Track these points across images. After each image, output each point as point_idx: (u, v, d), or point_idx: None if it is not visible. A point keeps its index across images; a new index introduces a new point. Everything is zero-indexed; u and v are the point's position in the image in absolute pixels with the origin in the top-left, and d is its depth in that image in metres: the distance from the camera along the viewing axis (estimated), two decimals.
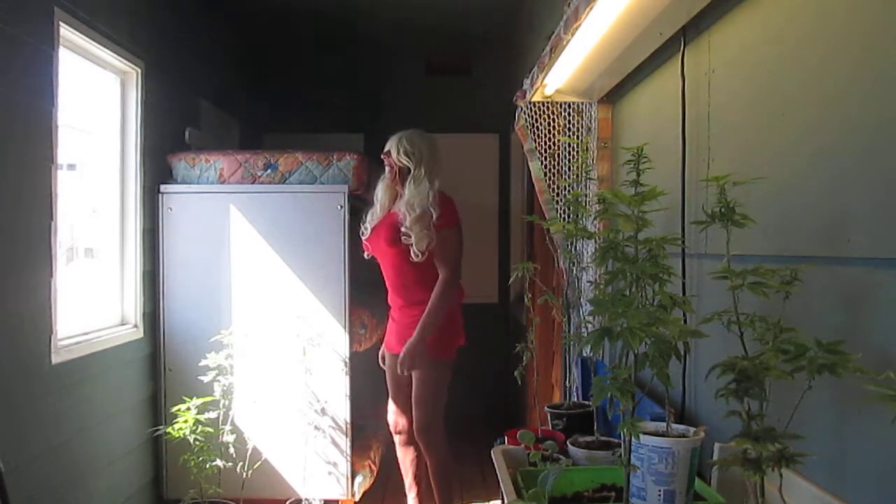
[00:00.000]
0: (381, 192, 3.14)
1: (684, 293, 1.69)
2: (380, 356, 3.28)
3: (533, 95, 2.48)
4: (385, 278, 3.13)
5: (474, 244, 5.74)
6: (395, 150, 3.04)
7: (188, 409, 3.27)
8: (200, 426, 3.26)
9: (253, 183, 3.61)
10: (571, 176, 2.47)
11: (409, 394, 3.10)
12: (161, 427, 3.45)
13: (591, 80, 2.30)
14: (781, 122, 1.33)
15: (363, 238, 3.13)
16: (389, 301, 3.16)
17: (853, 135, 1.10)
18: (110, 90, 3.37)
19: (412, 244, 2.92)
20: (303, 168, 3.58)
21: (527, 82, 2.48)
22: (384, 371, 3.27)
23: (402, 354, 2.97)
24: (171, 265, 3.60)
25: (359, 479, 3.60)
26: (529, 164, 2.61)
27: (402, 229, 2.93)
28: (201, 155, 3.66)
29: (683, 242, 1.65)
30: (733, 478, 1.29)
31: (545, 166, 2.57)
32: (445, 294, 2.98)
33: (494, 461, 1.72)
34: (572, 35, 1.80)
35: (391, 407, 3.25)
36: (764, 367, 0.98)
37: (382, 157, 3.10)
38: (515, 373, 2.24)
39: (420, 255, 2.92)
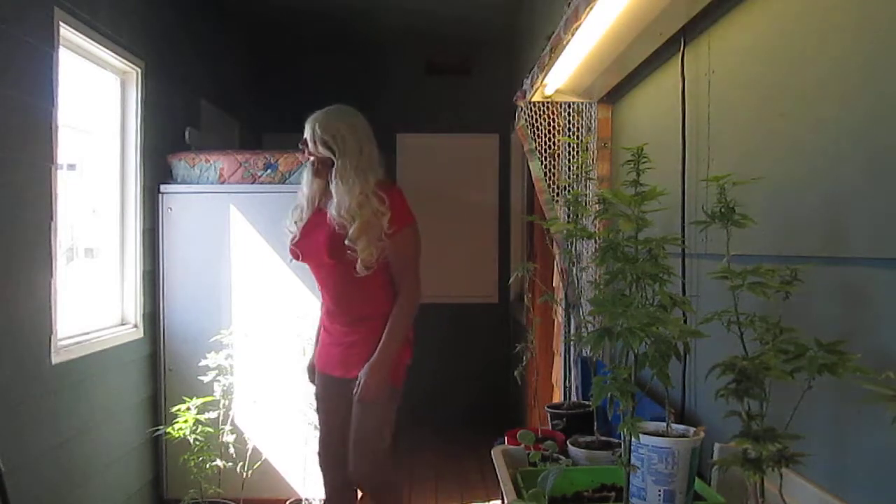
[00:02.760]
0: (305, 186, 2.55)
1: (684, 293, 1.69)
2: (309, 375, 2.75)
3: (533, 95, 2.48)
4: (320, 287, 2.60)
5: (474, 244, 5.78)
6: (310, 137, 2.45)
7: (188, 409, 3.27)
8: (200, 426, 3.27)
9: (253, 183, 3.61)
10: (571, 176, 2.47)
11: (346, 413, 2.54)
12: (161, 427, 3.45)
13: (591, 80, 2.30)
14: (781, 122, 1.33)
15: (291, 243, 2.55)
16: (325, 314, 2.62)
17: (853, 135, 1.10)
18: (110, 90, 3.37)
19: (358, 258, 2.37)
20: (303, 168, 3.58)
21: (527, 82, 2.48)
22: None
23: (363, 380, 2.42)
24: (171, 265, 3.60)
25: None
26: (529, 164, 2.61)
27: (346, 242, 2.37)
28: (201, 155, 3.67)
29: (683, 242, 1.65)
30: (733, 478, 1.29)
31: (545, 166, 2.57)
32: (410, 308, 2.49)
33: (494, 461, 1.72)
34: (572, 35, 1.80)
35: (328, 440, 2.64)
36: (764, 367, 0.98)
37: (300, 146, 2.51)
38: (515, 373, 2.24)
39: (367, 270, 2.39)
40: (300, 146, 2.50)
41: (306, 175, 2.54)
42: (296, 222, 2.55)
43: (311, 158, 2.48)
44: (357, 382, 2.44)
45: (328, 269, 2.49)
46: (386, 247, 2.41)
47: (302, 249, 2.52)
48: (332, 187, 2.42)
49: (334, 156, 2.42)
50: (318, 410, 2.70)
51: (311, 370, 2.73)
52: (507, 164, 5.50)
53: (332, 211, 2.41)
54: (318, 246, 2.45)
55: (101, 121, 3.36)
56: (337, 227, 2.39)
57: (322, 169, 2.46)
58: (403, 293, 2.48)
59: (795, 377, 0.97)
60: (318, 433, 2.72)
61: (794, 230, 1.28)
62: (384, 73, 5.59)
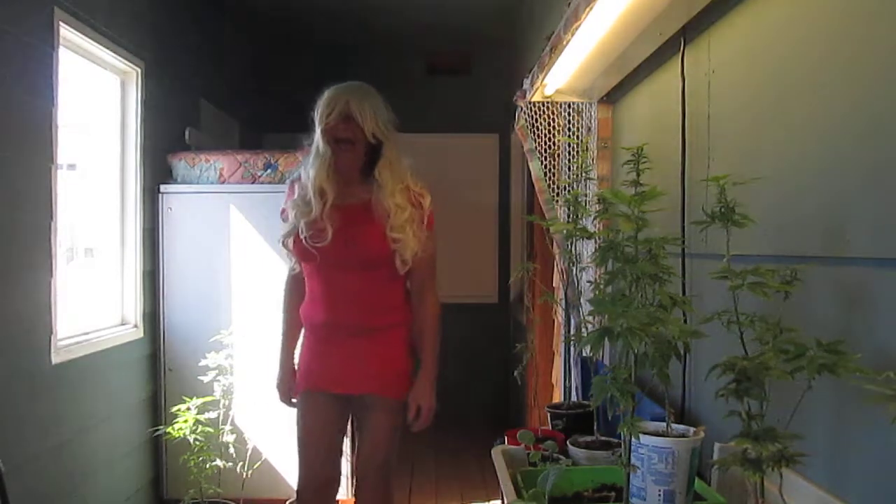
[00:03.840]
0: (316, 176, 2.20)
1: (684, 293, 1.69)
2: (284, 394, 2.40)
3: (533, 95, 2.48)
4: (326, 293, 2.26)
5: (474, 244, 5.77)
6: (365, 115, 2.17)
7: (188, 409, 3.27)
8: (200, 426, 3.27)
9: (253, 183, 3.62)
10: (571, 176, 2.47)
11: (339, 439, 2.36)
12: (161, 427, 3.45)
13: (591, 80, 2.30)
14: (781, 122, 1.33)
15: (305, 241, 2.20)
16: (320, 323, 2.28)
17: (854, 135, 1.10)
18: (110, 90, 3.37)
19: (399, 252, 2.19)
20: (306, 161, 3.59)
21: (527, 82, 2.48)
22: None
23: (423, 404, 2.24)
24: (171, 265, 3.61)
25: None
26: (529, 164, 2.61)
27: (391, 234, 2.18)
28: (201, 155, 3.67)
29: (683, 242, 1.65)
30: (733, 478, 1.29)
31: (545, 166, 2.57)
32: (439, 311, 2.32)
33: (494, 461, 1.72)
34: (572, 35, 1.80)
35: (314, 455, 2.32)
36: (764, 367, 0.98)
37: (335, 124, 2.18)
38: (515, 373, 2.24)
39: (405, 267, 2.22)
40: (334, 125, 2.17)
41: (321, 163, 2.20)
42: (303, 218, 2.21)
43: (353, 141, 2.18)
44: (409, 406, 2.24)
45: (357, 273, 2.22)
46: (426, 239, 2.24)
47: (326, 249, 2.18)
48: (381, 173, 2.20)
49: (384, 143, 2.22)
50: (304, 436, 2.31)
51: (289, 387, 2.37)
52: (507, 164, 5.50)
53: (383, 200, 2.18)
54: (366, 243, 2.20)
55: (101, 121, 3.36)
56: (378, 216, 2.19)
57: (356, 157, 2.21)
58: (431, 296, 2.31)
59: (795, 377, 0.97)
60: (299, 464, 2.34)
61: (794, 230, 1.28)
62: (384, 73, 5.58)
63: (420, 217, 2.23)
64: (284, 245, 2.28)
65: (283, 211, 2.33)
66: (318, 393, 2.29)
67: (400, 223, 2.18)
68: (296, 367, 2.37)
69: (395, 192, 2.19)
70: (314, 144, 2.24)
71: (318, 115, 2.21)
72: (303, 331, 2.38)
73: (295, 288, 2.39)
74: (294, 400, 2.37)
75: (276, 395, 2.43)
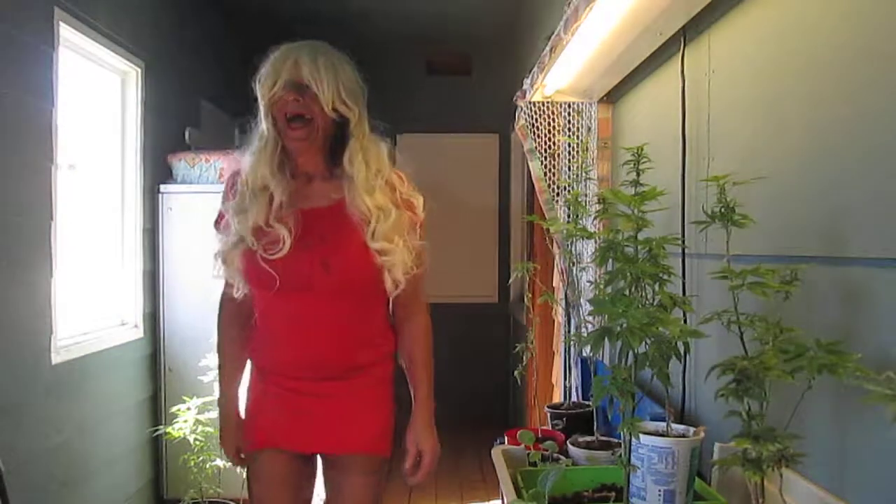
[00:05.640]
0: (261, 172, 1.67)
1: (684, 293, 1.69)
2: (231, 453, 1.85)
3: (533, 95, 2.48)
4: (301, 329, 1.70)
5: (474, 244, 5.78)
6: (322, 81, 1.61)
7: (188, 409, 3.27)
8: (200, 426, 3.27)
9: None
10: (571, 176, 2.47)
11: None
12: (161, 427, 3.45)
13: (591, 80, 2.30)
14: (781, 122, 1.33)
15: (265, 256, 1.63)
16: (276, 364, 1.75)
17: (853, 134, 1.10)
18: (110, 90, 3.37)
19: (388, 270, 1.65)
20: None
21: (527, 82, 2.48)
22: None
23: (426, 457, 1.76)
24: (171, 265, 3.61)
25: None
26: (529, 164, 2.61)
27: (375, 246, 1.63)
28: (201, 155, 3.67)
29: (683, 242, 1.65)
30: (733, 478, 1.29)
31: (545, 166, 2.57)
32: (431, 336, 1.83)
33: (494, 461, 1.72)
34: (572, 35, 1.80)
35: None
36: (764, 367, 0.98)
37: (282, 95, 1.63)
38: (515, 373, 2.24)
39: (397, 287, 1.67)
40: (285, 98, 1.62)
41: (264, 151, 1.67)
42: (248, 228, 1.64)
43: (297, 121, 1.63)
44: (407, 452, 1.77)
45: (330, 300, 1.66)
46: (419, 250, 1.71)
47: (290, 270, 1.63)
48: (353, 167, 1.65)
49: (351, 119, 1.66)
50: (274, 494, 1.79)
51: (237, 440, 1.82)
52: (507, 164, 5.50)
53: (362, 200, 1.64)
54: (340, 263, 1.65)
55: (101, 121, 3.36)
56: (356, 221, 1.65)
57: (313, 142, 1.65)
58: (422, 316, 1.81)
59: (795, 377, 0.97)
60: None
61: (794, 230, 1.28)
62: (384, 73, 5.59)
63: (410, 222, 1.70)
64: (225, 263, 1.69)
65: (220, 217, 1.75)
66: (275, 451, 1.75)
67: (385, 230, 1.63)
68: (241, 414, 1.83)
69: (372, 188, 1.65)
70: (258, 129, 1.70)
71: (259, 85, 1.65)
72: (249, 370, 1.83)
73: (235, 317, 1.81)
74: (244, 456, 1.82)
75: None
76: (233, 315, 1.83)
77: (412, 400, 1.81)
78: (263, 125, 1.68)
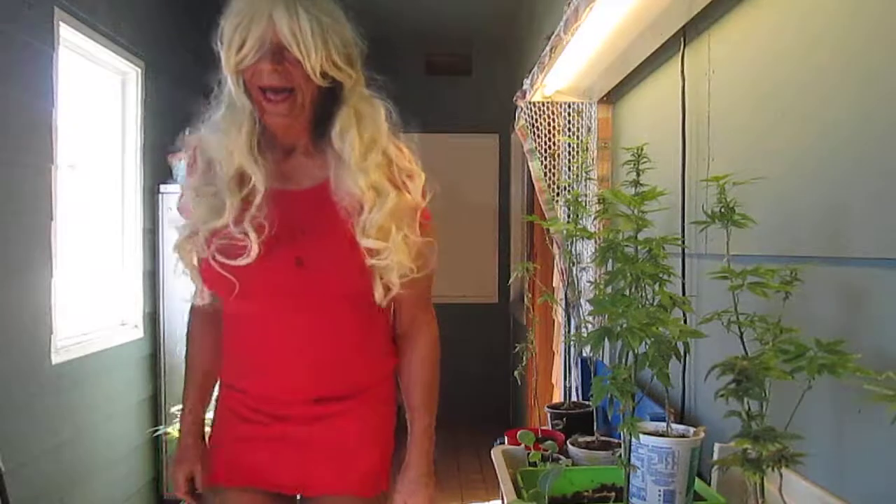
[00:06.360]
0: (238, 153, 1.32)
1: (684, 293, 1.69)
2: (188, 490, 1.51)
3: (533, 95, 2.48)
4: (277, 347, 1.38)
5: (474, 244, 5.77)
6: (307, 41, 1.25)
7: None
8: None
9: None
10: (571, 176, 2.47)
11: None
12: (161, 427, 3.45)
13: (591, 80, 2.30)
14: (781, 122, 1.33)
15: (222, 261, 1.31)
16: (264, 392, 1.41)
17: (853, 134, 1.10)
18: (110, 90, 3.37)
19: (379, 271, 1.32)
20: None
21: (527, 82, 2.48)
22: None
23: (408, 494, 1.43)
24: (171, 265, 3.59)
25: None
26: (529, 164, 2.61)
27: (366, 242, 1.30)
28: None
29: (683, 242, 1.65)
30: (733, 478, 1.29)
31: (545, 166, 2.57)
32: (438, 354, 1.50)
33: (494, 461, 1.72)
34: (572, 35, 1.80)
35: None
36: (764, 367, 0.98)
37: (255, 62, 1.27)
38: (515, 373, 2.24)
39: (389, 292, 1.34)
40: (258, 65, 1.26)
41: (240, 128, 1.33)
42: (211, 221, 1.32)
43: (278, 93, 1.28)
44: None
45: (313, 313, 1.35)
46: (424, 248, 1.38)
47: (256, 273, 1.30)
48: (344, 141, 1.31)
49: (345, 84, 1.33)
50: None
51: (193, 471, 1.51)
52: (507, 164, 5.51)
53: (354, 181, 1.30)
54: (322, 263, 1.32)
55: (101, 121, 3.36)
56: (344, 214, 1.32)
57: (298, 116, 1.31)
58: (427, 332, 1.49)
59: (795, 377, 0.97)
60: None
61: (794, 230, 1.28)
62: (384, 72, 5.59)
63: (411, 209, 1.36)
64: (183, 260, 1.37)
65: (183, 204, 1.40)
66: (244, 490, 1.42)
67: (380, 220, 1.29)
68: (206, 442, 1.53)
69: (367, 166, 1.30)
70: (224, 93, 1.36)
71: (223, 48, 1.29)
72: (218, 390, 1.52)
73: (209, 323, 1.49)
74: (200, 492, 1.50)
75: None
76: (206, 321, 1.50)
77: (408, 432, 1.46)
78: (234, 94, 1.32)
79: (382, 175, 1.34)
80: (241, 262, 1.29)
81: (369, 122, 1.36)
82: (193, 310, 1.52)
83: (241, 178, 1.33)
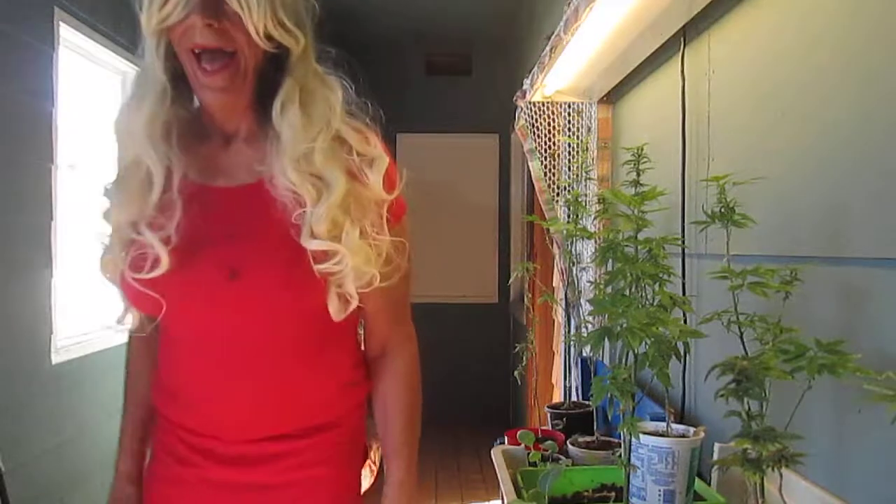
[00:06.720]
0: (152, 138, 1.10)
1: (684, 293, 1.69)
2: None
3: (533, 95, 2.48)
4: (211, 379, 1.14)
5: (474, 244, 5.78)
6: (255, 12, 1.01)
7: None
8: None
9: None
10: (571, 176, 2.47)
11: None
12: None
13: (591, 80, 2.30)
14: (781, 122, 1.33)
15: (134, 276, 1.09)
16: (200, 433, 1.16)
17: (853, 135, 1.10)
18: (110, 90, 3.37)
19: (333, 279, 1.07)
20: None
21: (527, 82, 2.49)
22: None
23: None
24: None
25: None
26: (529, 164, 2.61)
27: (311, 243, 1.05)
28: None
29: (683, 242, 1.65)
30: (733, 478, 1.29)
31: (545, 166, 2.57)
32: (418, 380, 1.27)
33: (494, 461, 1.72)
34: (572, 35, 1.80)
35: None
36: (764, 367, 0.98)
37: (183, 17, 1.02)
38: (515, 373, 2.24)
39: (347, 306, 1.09)
40: (187, 21, 1.02)
41: (158, 105, 1.09)
42: (123, 223, 1.10)
43: (213, 57, 1.04)
44: None
45: (253, 337, 1.11)
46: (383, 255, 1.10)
47: (176, 283, 1.08)
48: (286, 121, 1.07)
49: (292, 50, 1.09)
50: None
51: None
52: (507, 164, 5.51)
53: (293, 171, 1.05)
54: (258, 273, 1.07)
55: (101, 121, 3.36)
56: (284, 210, 1.07)
57: (237, 89, 1.07)
58: (406, 352, 1.24)
59: (795, 377, 0.97)
60: None
61: (794, 230, 1.28)
62: (384, 73, 5.59)
63: (372, 201, 1.10)
64: (107, 277, 1.17)
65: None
66: None
67: (327, 215, 1.04)
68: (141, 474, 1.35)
69: (308, 151, 1.06)
70: (144, 64, 1.10)
71: (145, 6, 1.05)
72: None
73: (144, 358, 1.29)
74: None
75: None
76: (144, 348, 1.28)
77: (384, 474, 1.23)
78: (148, 62, 1.08)
79: (332, 161, 1.07)
80: (153, 274, 1.06)
81: (317, 99, 1.11)
82: (131, 337, 1.31)
83: (150, 176, 1.10)
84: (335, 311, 1.08)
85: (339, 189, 1.06)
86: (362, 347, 1.25)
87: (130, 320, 1.20)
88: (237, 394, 1.12)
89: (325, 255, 1.06)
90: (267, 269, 1.08)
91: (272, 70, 1.09)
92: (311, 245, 1.05)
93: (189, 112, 1.14)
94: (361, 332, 1.24)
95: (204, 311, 1.11)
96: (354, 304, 1.09)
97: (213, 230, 1.10)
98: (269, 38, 1.05)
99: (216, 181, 1.14)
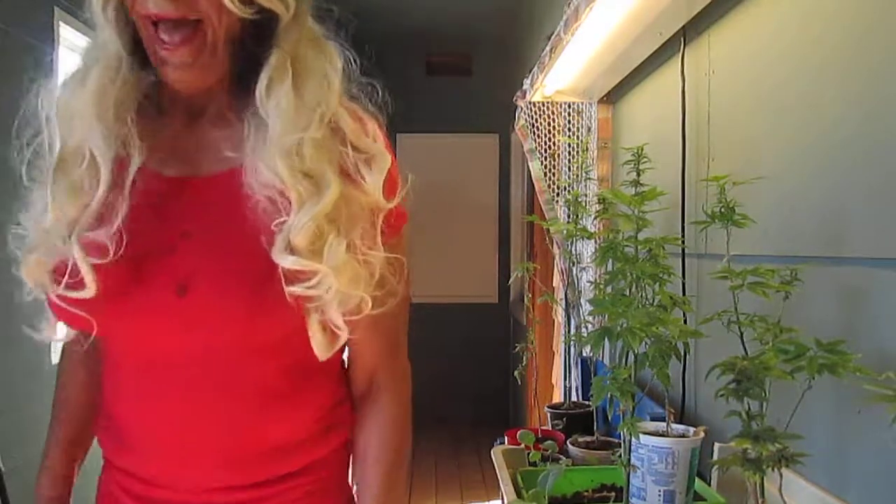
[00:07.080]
0: (102, 120, 0.85)
1: (684, 293, 1.69)
2: None
3: (533, 95, 2.48)
4: (163, 418, 0.90)
5: (474, 244, 5.78)
6: None
7: None
8: None
9: None
10: (571, 176, 2.47)
11: None
12: None
13: (591, 80, 2.30)
14: (781, 122, 1.33)
15: (61, 294, 0.88)
16: (151, 481, 0.93)
17: (853, 135, 1.10)
18: None
19: (311, 308, 0.84)
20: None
21: (527, 82, 2.49)
22: None
23: None
24: None
25: None
26: (529, 164, 2.61)
27: (284, 261, 0.81)
28: None
29: (683, 242, 1.65)
30: (733, 478, 1.29)
31: (545, 166, 2.57)
32: (409, 426, 1.01)
33: (494, 461, 1.72)
34: (572, 35, 1.80)
35: None
36: (764, 367, 0.98)
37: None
38: (515, 373, 2.24)
39: (333, 344, 0.87)
40: None
41: (88, 84, 0.88)
42: (48, 220, 0.93)
43: (176, 27, 0.82)
44: None
45: (209, 362, 0.88)
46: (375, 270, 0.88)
47: (114, 299, 0.86)
48: (270, 102, 0.85)
49: (281, 15, 0.88)
50: None
51: None
52: (507, 164, 5.51)
53: (275, 165, 0.82)
54: (219, 284, 0.84)
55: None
56: (261, 213, 0.84)
57: (209, 65, 0.85)
58: (397, 397, 1.00)
59: (795, 377, 0.97)
60: None
61: (794, 230, 1.28)
62: (384, 73, 5.59)
63: (366, 210, 0.89)
64: (30, 281, 0.98)
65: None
66: None
67: (310, 226, 0.83)
68: None
69: (301, 142, 0.84)
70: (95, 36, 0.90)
71: None
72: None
73: (78, 370, 1.07)
74: None
75: None
76: (69, 374, 1.08)
77: None
78: (107, 33, 0.87)
79: (324, 156, 0.85)
80: (77, 296, 0.86)
81: (314, 75, 0.89)
82: (64, 347, 1.08)
83: (95, 167, 0.87)
84: (320, 347, 0.86)
85: (330, 193, 0.84)
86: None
87: (61, 333, 0.98)
88: (192, 436, 0.90)
89: (300, 276, 0.83)
90: (224, 284, 0.84)
91: (255, 38, 0.87)
92: (285, 262, 0.82)
93: (148, 85, 0.90)
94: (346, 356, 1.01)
95: (147, 336, 0.88)
96: (344, 337, 0.88)
97: (161, 233, 0.87)
98: (247, 2, 0.83)
99: (171, 169, 0.91)
